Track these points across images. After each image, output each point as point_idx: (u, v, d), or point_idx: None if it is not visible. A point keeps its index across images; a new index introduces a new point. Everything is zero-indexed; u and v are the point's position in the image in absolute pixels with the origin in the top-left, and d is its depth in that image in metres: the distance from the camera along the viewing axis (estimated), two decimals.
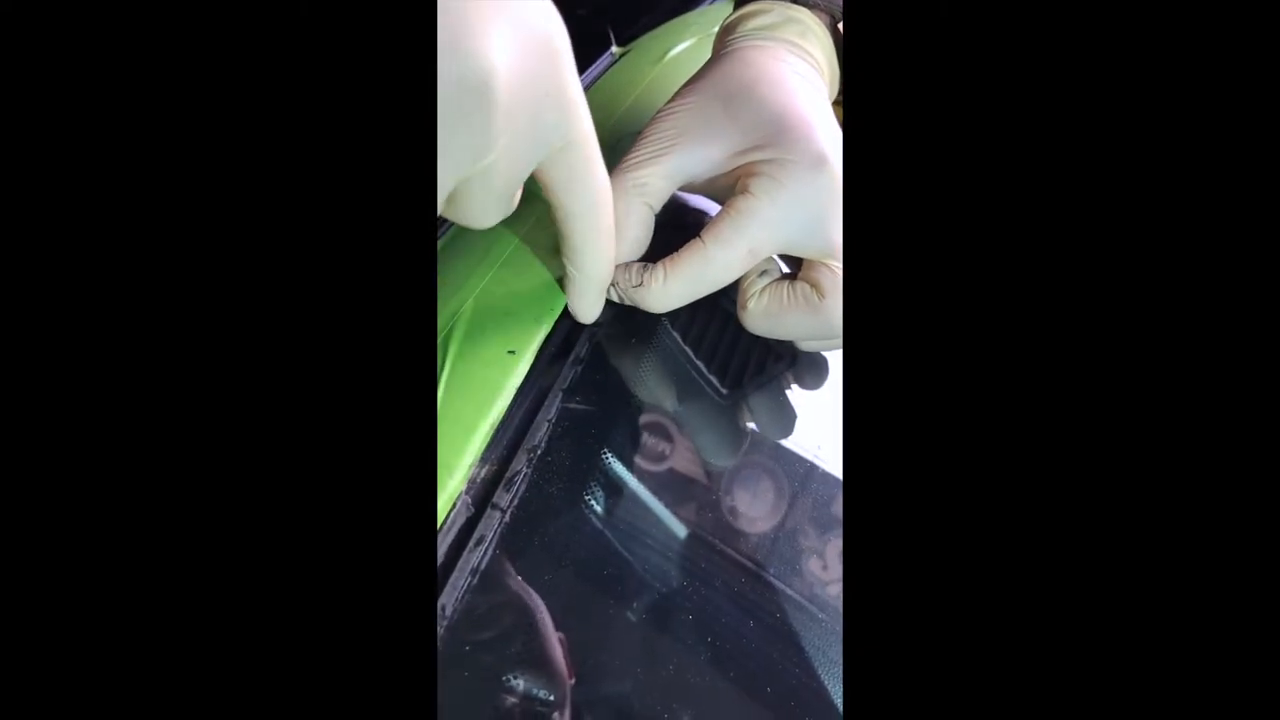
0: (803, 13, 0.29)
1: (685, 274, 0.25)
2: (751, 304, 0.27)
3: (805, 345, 0.28)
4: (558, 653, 0.19)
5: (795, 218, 0.25)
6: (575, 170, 0.22)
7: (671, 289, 0.26)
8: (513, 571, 0.20)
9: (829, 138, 0.25)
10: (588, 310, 0.26)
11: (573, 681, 0.19)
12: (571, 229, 0.24)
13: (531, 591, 0.20)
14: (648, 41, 0.45)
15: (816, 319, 0.25)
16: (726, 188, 0.26)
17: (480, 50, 0.17)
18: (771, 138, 0.25)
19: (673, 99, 0.28)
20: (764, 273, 0.27)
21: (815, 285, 0.25)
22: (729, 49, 0.29)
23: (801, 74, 0.28)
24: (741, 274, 0.26)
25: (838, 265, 0.25)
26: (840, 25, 0.30)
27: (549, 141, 0.21)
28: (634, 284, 0.26)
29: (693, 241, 0.25)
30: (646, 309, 0.27)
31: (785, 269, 0.28)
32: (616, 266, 0.26)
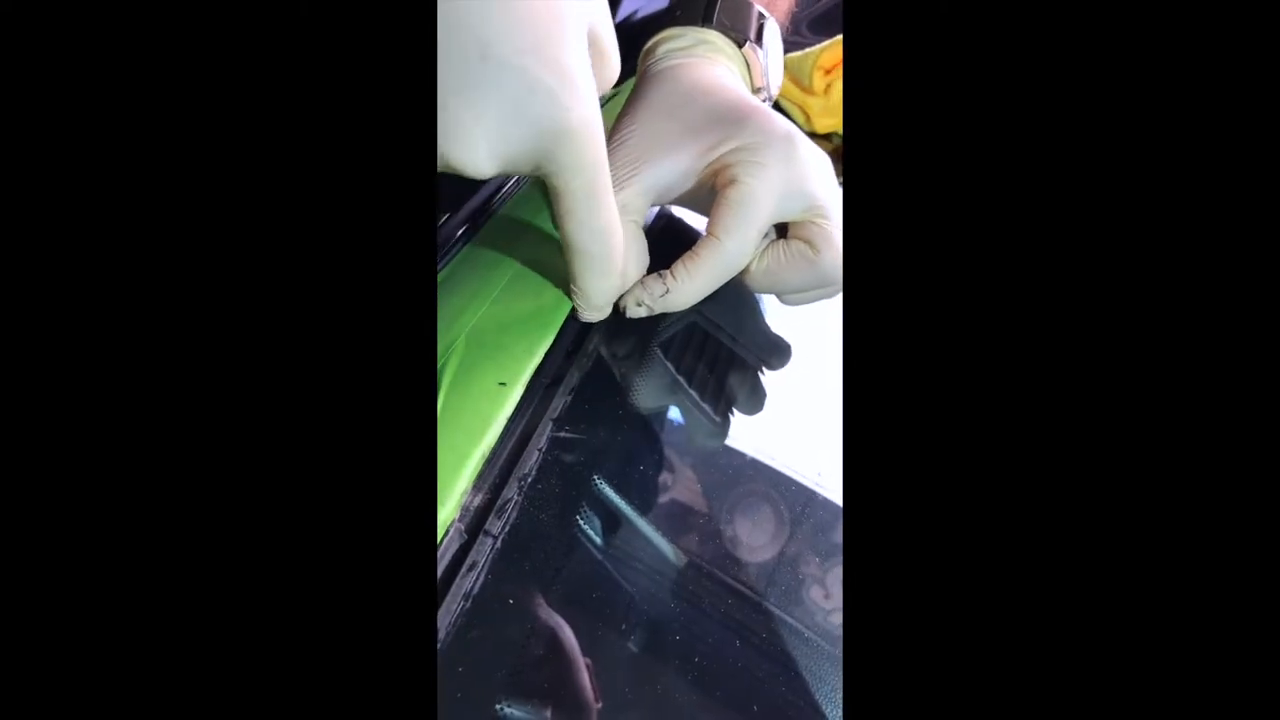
0: (712, 34, 0.33)
1: (706, 270, 0.27)
2: (753, 266, 0.29)
3: (797, 299, 0.31)
4: (585, 677, 0.19)
5: (782, 190, 0.27)
6: (574, 172, 0.22)
7: (696, 287, 0.28)
8: (540, 597, 0.21)
9: (779, 115, 0.29)
10: (592, 315, 0.28)
11: (599, 706, 0.19)
12: (575, 255, 0.25)
13: (558, 617, 0.20)
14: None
15: (814, 271, 0.28)
16: (702, 189, 0.29)
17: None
18: (733, 130, 0.28)
19: (617, 127, 0.30)
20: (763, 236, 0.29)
21: (809, 241, 0.28)
22: (653, 72, 0.32)
23: (725, 75, 0.32)
24: (753, 254, 0.29)
25: (823, 220, 0.28)
26: (744, 47, 0.33)
27: (540, 114, 0.20)
28: (659, 295, 0.28)
29: (705, 239, 0.27)
30: (673, 310, 0.29)
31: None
32: (636, 284, 0.28)
